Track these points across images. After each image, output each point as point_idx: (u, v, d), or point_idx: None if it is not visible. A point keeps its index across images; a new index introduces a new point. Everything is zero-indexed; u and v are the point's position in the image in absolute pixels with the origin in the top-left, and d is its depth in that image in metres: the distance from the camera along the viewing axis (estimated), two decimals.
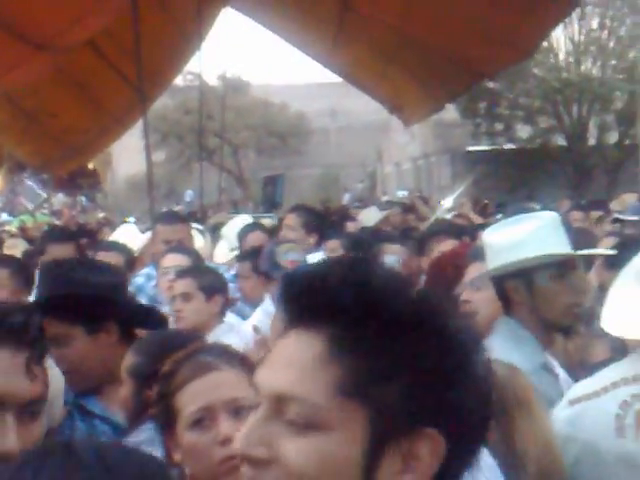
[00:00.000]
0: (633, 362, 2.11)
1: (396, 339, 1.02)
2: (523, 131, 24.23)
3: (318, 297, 1.05)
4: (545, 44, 18.62)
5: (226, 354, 1.86)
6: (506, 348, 2.36)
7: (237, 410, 1.76)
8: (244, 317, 4.29)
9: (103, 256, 4.52)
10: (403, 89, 8.04)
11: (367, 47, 7.31)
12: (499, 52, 7.05)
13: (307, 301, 1.06)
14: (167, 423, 1.82)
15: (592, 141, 23.46)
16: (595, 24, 23.06)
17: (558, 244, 2.57)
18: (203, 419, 1.76)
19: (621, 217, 6.60)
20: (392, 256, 4.87)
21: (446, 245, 4.31)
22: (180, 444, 1.78)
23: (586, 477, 2.11)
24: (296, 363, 1.04)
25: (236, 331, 3.76)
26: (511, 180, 21.61)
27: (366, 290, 1.03)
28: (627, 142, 22.60)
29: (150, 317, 2.64)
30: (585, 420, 2.13)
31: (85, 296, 2.47)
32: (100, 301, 2.48)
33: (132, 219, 13.76)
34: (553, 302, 2.55)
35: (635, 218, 6.35)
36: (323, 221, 5.53)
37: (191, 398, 1.77)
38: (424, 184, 26.65)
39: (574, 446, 2.12)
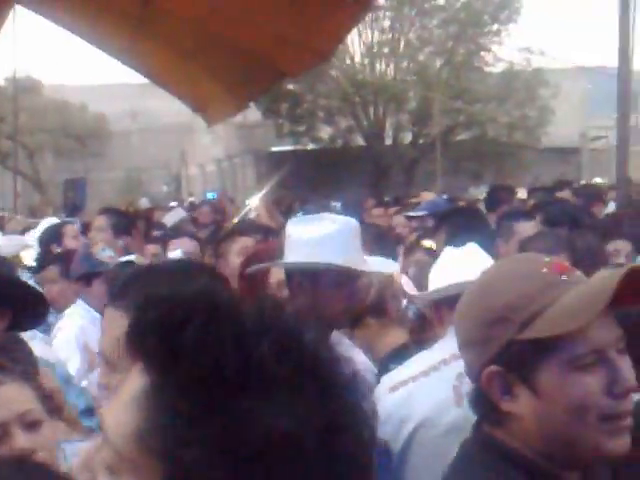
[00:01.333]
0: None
1: (207, 398, 0.85)
2: (324, 131, 24.83)
3: (135, 332, 0.90)
4: (341, 46, 19.17)
5: (6, 369, 1.82)
6: None
7: (31, 423, 1.75)
8: (48, 324, 4.08)
9: None
10: (206, 88, 7.97)
11: (167, 44, 7.19)
12: (298, 54, 7.17)
13: (131, 333, 0.91)
14: None
15: (389, 140, 24.40)
16: (387, 27, 23.98)
17: (351, 254, 2.62)
18: None
19: (411, 214, 7.08)
20: (178, 250, 4.93)
21: (242, 242, 4.31)
22: None
23: (420, 453, 2.21)
24: (121, 398, 0.91)
25: (39, 338, 3.58)
26: (314, 179, 22.09)
27: (177, 336, 0.86)
28: (421, 141, 23.71)
29: (34, 310, 2.64)
30: (418, 399, 2.24)
31: None
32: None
33: None
34: (331, 305, 2.59)
35: (420, 214, 6.79)
36: (132, 224, 5.46)
37: None
38: (229, 185, 26.69)
39: (408, 425, 2.23)
